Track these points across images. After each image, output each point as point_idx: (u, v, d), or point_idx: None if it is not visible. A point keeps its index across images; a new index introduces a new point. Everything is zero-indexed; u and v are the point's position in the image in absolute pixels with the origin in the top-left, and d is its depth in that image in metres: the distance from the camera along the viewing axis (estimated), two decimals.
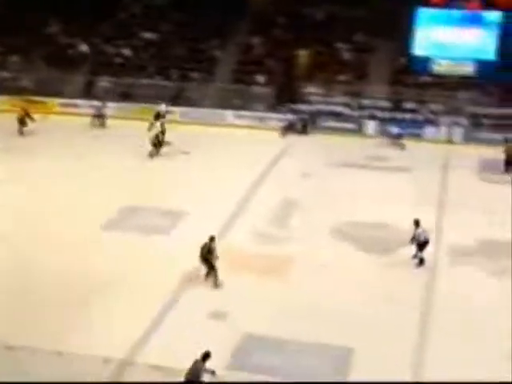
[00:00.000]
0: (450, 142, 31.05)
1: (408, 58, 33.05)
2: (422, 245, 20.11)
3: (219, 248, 19.27)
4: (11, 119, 32.12)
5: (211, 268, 18.92)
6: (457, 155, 29.51)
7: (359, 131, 32.03)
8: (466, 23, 30.73)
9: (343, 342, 16.51)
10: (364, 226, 22.82)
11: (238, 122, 33.54)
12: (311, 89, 34.69)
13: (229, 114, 33.94)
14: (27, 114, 31.99)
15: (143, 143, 29.18)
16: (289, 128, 32.45)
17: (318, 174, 27.38)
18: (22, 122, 31.92)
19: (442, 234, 22.09)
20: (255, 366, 15.77)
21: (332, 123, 32.85)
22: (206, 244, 18.84)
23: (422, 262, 20.27)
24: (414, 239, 20.10)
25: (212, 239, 18.88)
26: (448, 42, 30.78)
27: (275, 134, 32.14)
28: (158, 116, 31.99)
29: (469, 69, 30.71)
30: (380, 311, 17.78)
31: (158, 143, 29.07)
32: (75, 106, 35.31)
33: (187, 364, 14.58)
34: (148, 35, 38.56)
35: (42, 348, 15.89)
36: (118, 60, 37.65)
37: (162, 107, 32.67)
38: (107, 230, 22.44)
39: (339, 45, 36.32)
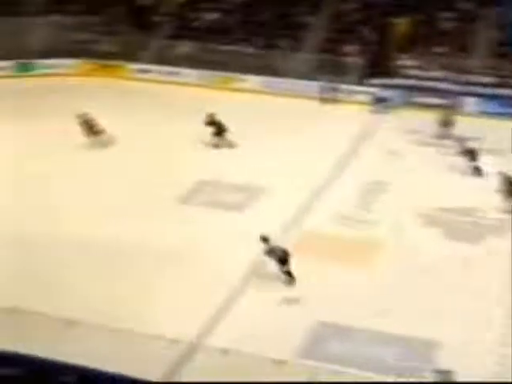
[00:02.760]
0: None
1: None
2: None
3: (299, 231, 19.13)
4: None
5: None
6: None
7: (455, 109, 30.98)
8: None
9: (424, 334, 16.36)
10: (454, 211, 22.45)
11: (323, 94, 33.02)
12: (406, 61, 33.86)
13: (314, 86, 33.39)
14: None
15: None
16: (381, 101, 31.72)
17: (406, 153, 26.88)
18: None
19: None
20: (329, 355, 15.82)
21: (426, 99, 32.02)
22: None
23: None
24: None
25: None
26: None
27: (363, 108, 31.46)
28: None
29: None
30: (465, 304, 17.53)
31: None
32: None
33: (259, 349, 14.75)
34: None
35: (105, 324, 15.95)
36: (201, 24, 37.47)
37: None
38: (180, 204, 22.92)
39: (440, 13, 35.29)
